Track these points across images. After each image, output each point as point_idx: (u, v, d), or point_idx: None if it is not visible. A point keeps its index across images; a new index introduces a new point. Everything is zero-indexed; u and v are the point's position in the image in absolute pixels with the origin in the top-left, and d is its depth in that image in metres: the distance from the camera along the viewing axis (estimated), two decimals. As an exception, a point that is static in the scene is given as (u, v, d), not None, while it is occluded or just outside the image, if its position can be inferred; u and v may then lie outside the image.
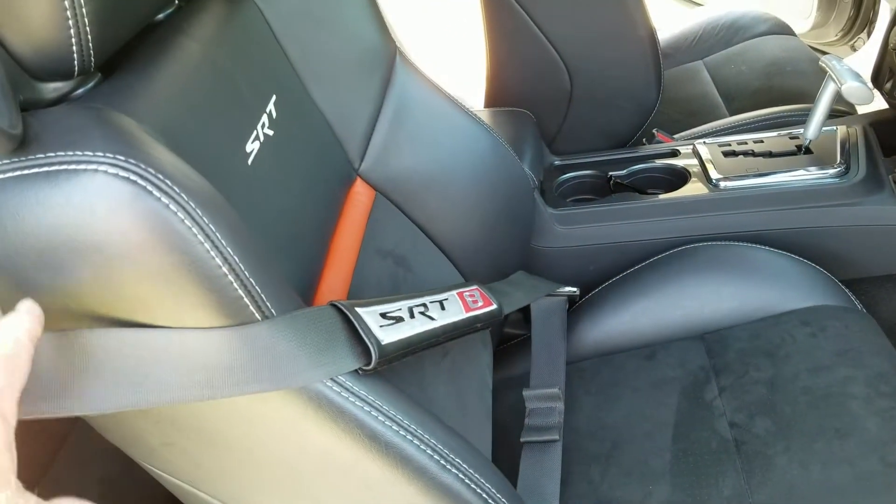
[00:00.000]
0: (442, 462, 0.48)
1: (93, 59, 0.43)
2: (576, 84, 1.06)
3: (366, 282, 0.68)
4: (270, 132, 0.61)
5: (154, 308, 0.39)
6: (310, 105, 0.70)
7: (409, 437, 0.47)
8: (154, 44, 0.53)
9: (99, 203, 0.36)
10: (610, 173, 1.03)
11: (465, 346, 0.81)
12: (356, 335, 0.47)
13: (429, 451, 0.47)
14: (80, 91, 0.47)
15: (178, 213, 0.37)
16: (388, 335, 0.49)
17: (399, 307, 0.55)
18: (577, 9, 1.02)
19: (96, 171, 0.36)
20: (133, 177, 0.36)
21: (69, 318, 0.40)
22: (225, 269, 0.39)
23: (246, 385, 0.41)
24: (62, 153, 0.36)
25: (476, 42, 1.14)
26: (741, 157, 1.00)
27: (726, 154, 1.01)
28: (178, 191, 0.38)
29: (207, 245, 0.39)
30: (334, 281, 0.66)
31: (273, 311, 0.43)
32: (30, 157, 0.37)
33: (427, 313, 0.57)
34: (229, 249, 0.40)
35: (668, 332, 0.88)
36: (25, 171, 0.36)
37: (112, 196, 0.36)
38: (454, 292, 0.65)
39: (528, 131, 1.03)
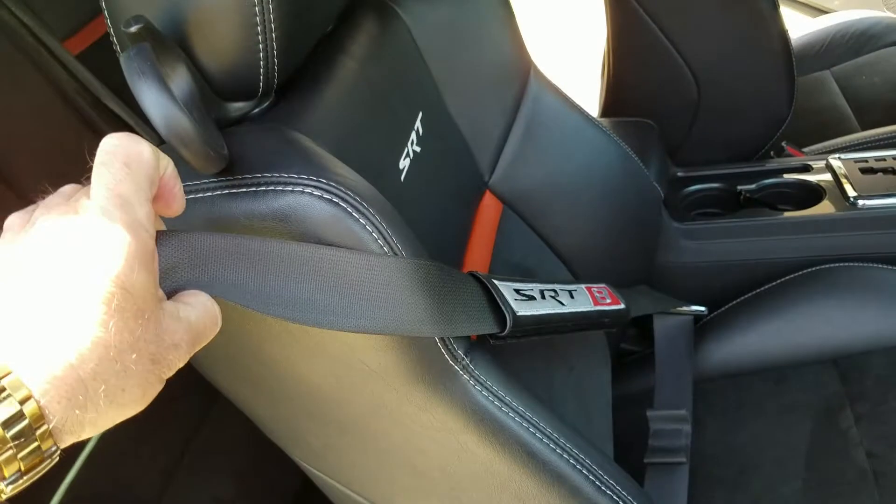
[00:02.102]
0: (597, 483, 0.48)
1: (276, 80, 0.46)
2: (703, 95, 1.04)
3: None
4: (418, 149, 0.63)
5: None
6: (448, 119, 0.72)
7: (565, 455, 0.48)
8: (316, 63, 0.55)
9: (305, 222, 0.38)
10: (739, 187, 1.00)
11: (588, 361, 0.81)
12: (493, 302, 0.48)
13: (584, 472, 0.48)
14: (257, 110, 0.50)
15: (374, 234, 0.40)
16: (522, 308, 0.50)
17: (531, 288, 0.55)
18: (711, 19, 1.00)
19: (302, 192, 0.39)
20: (335, 198, 0.39)
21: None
22: None
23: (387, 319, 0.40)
24: (268, 174, 0.39)
25: (587, 49, 1.13)
26: (880, 174, 0.95)
27: (863, 171, 0.97)
28: (372, 212, 0.40)
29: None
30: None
31: (453, 344, 0.45)
32: (237, 176, 0.40)
33: (557, 298, 0.58)
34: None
35: (800, 356, 0.85)
36: (234, 190, 0.39)
37: (317, 216, 0.38)
38: (583, 286, 0.65)
39: (653, 143, 1.02)
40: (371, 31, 0.63)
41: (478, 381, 0.46)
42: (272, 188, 0.39)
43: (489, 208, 0.77)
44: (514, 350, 0.66)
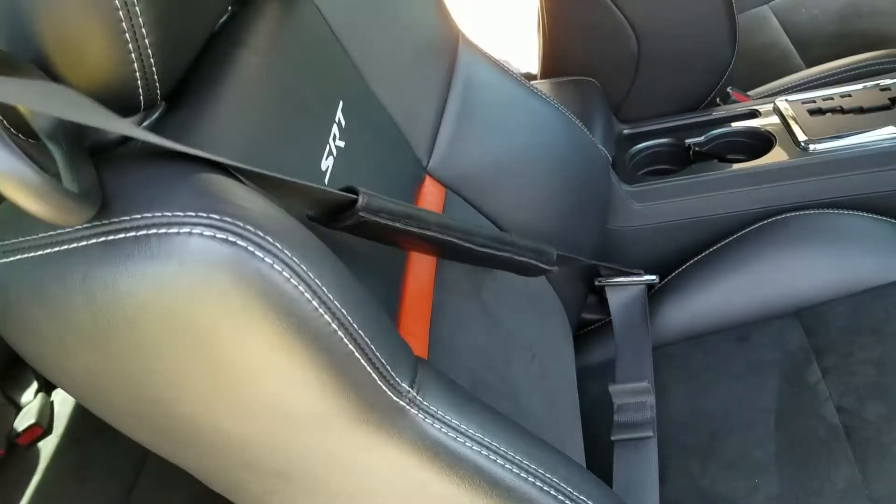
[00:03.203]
0: (567, 501, 0.45)
1: (159, 90, 0.41)
2: (644, 46, 1.00)
3: (448, 286, 0.65)
4: (342, 144, 0.58)
5: (263, 371, 0.37)
6: (375, 105, 0.66)
7: (530, 478, 0.45)
8: (212, 62, 0.49)
9: (197, 269, 0.33)
10: (687, 141, 0.97)
11: (549, 342, 0.78)
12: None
13: (552, 491, 0.46)
14: (145, 124, 0.44)
15: (284, 272, 0.35)
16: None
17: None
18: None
19: (190, 233, 0.33)
20: (231, 237, 0.34)
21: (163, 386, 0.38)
22: (335, 325, 0.37)
23: None
24: (148, 214, 0.34)
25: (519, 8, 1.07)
26: (829, 114, 0.93)
27: (812, 112, 0.94)
28: (279, 246, 0.35)
29: (315, 302, 0.36)
30: (417, 286, 0.63)
31: (383, 361, 0.40)
32: (112, 219, 0.34)
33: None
34: (337, 303, 0.37)
35: (761, 311, 0.83)
36: (110, 237, 0.33)
37: (211, 260, 0.33)
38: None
39: (596, 102, 0.97)
40: (273, 17, 0.56)
41: (428, 413, 0.42)
42: (154, 231, 0.33)
43: (431, 195, 0.72)
44: (470, 351, 0.63)
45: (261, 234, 0.34)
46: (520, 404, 0.63)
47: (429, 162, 0.72)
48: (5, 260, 0.35)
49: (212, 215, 0.34)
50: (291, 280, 0.35)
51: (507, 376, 0.65)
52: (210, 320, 0.34)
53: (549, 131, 0.79)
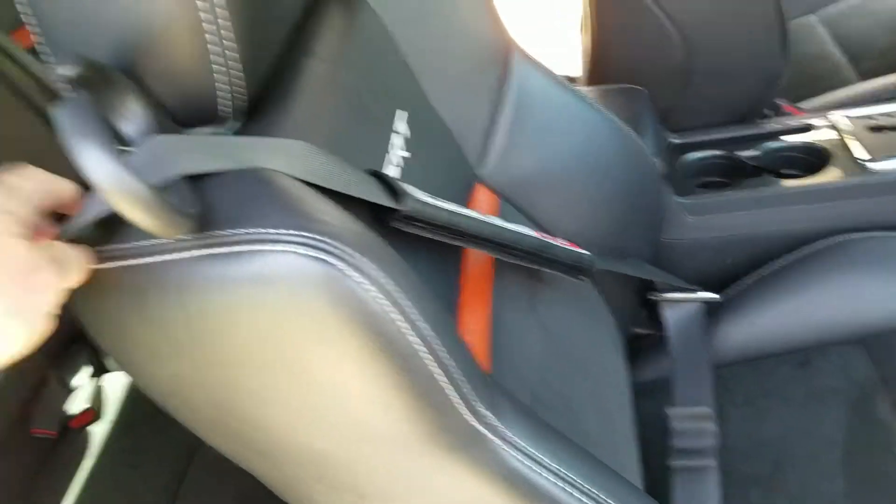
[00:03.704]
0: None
1: (245, 99, 0.40)
2: (693, 55, 0.96)
3: (504, 296, 0.62)
4: (406, 154, 0.55)
5: (348, 390, 0.37)
6: (431, 113, 0.64)
7: None
8: (282, 72, 0.48)
9: (291, 287, 0.33)
10: (740, 153, 0.94)
11: (601, 360, 0.75)
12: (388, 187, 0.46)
13: None
14: (224, 133, 0.42)
15: (373, 291, 0.34)
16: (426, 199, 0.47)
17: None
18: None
19: (285, 251, 0.33)
20: (323, 255, 0.33)
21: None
22: (420, 346, 0.37)
23: None
24: (244, 230, 0.33)
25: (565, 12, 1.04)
26: (890, 132, 0.89)
27: (871, 129, 0.90)
28: (371, 266, 0.35)
29: (403, 322, 0.36)
30: (473, 296, 0.60)
31: (464, 383, 0.40)
32: (210, 233, 0.34)
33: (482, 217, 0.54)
34: (422, 323, 0.37)
35: (823, 336, 0.79)
36: (207, 251, 0.33)
37: (306, 279, 0.33)
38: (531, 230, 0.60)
39: (644, 111, 0.94)
40: (338, 23, 0.54)
41: (505, 440, 0.41)
42: (250, 247, 0.33)
43: (484, 203, 0.69)
44: (528, 366, 0.60)
45: (354, 252, 0.34)
46: (578, 424, 0.61)
47: (481, 169, 0.69)
48: (104, 266, 0.36)
49: (306, 234, 0.33)
50: (381, 299, 0.35)
51: (564, 393, 0.62)
52: (300, 337, 0.34)
53: (601, 140, 0.76)
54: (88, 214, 0.34)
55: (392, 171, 0.53)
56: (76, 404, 1.04)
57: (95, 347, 1.21)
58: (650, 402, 0.79)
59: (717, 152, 0.96)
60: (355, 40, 0.55)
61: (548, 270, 0.61)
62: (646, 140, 0.88)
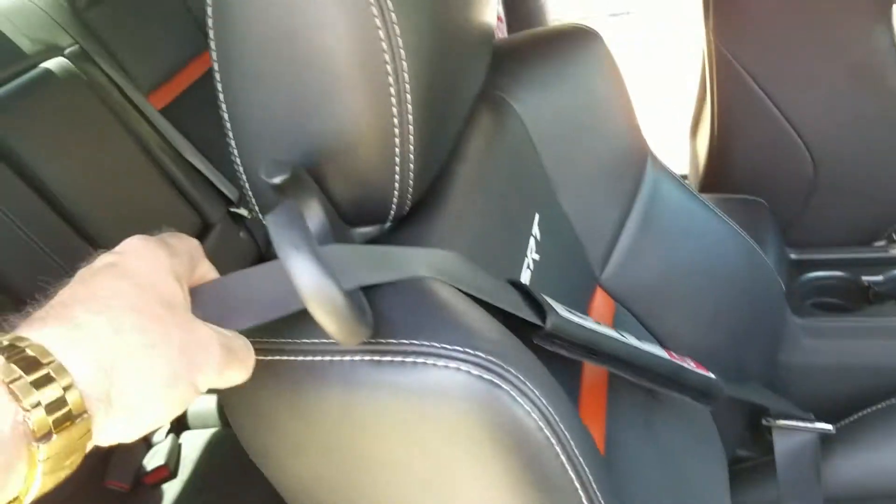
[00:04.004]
0: None
1: (408, 204, 0.42)
2: (820, 171, 0.96)
3: (620, 411, 0.62)
4: (537, 256, 0.58)
5: None
6: (561, 216, 0.66)
7: None
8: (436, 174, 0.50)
9: (458, 405, 0.34)
10: (865, 278, 0.91)
11: (710, 481, 0.72)
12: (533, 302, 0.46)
13: None
14: (382, 233, 0.45)
15: (540, 422, 0.35)
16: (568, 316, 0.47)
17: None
18: (828, 90, 0.92)
19: (458, 369, 0.34)
20: (495, 378, 0.34)
21: None
22: (577, 484, 0.37)
23: None
24: (416, 342, 0.35)
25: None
26: None
27: None
28: (537, 393, 0.35)
29: (564, 457, 0.36)
30: (589, 414, 0.60)
31: None
32: (380, 340, 0.35)
33: (620, 336, 0.53)
34: (581, 459, 0.37)
35: (949, 481, 0.75)
36: (376, 357, 0.35)
37: (474, 399, 0.34)
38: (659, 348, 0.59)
39: (768, 225, 0.94)
40: (486, 128, 0.57)
41: None
42: (422, 360, 0.34)
43: (601, 307, 0.70)
44: (646, 495, 0.59)
45: (519, 375, 0.35)
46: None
47: (601, 273, 0.71)
48: (262, 358, 0.37)
49: (476, 353, 0.34)
50: (545, 430, 0.35)
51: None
52: (456, 455, 0.35)
53: (726, 253, 0.76)
54: (270, 314, 0.35)
55: (526, 273, 0.55)
56: (152, 460, 1.05)
57: None
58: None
59: (839, 273, 0.94)
60: (500, 145, 0.57)
61: (679, 396, 0.60)
62: (768, 256, 0.87)
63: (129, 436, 0.29)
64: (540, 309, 0.45)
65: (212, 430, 1.11)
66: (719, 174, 1.05)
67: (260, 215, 0.43)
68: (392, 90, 0.37)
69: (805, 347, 0.85)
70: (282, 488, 0.44)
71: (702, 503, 0.67)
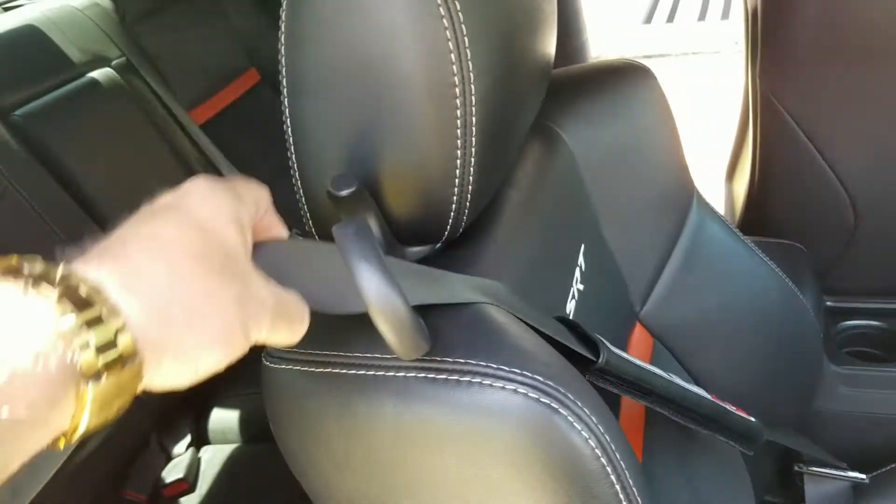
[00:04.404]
0: None
1: (462, 226, 0.42)
2: (861, 220, 0.95)
3: (656, 447, 0.61)
4: (582, 287, 0.58)
5: None
6: (605, 249, 0.66)
7: None
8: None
9: (515, 428, 0.33)
10: (902, 329, 0.90)
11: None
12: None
13: None
14: (435, 251, 0.45)
15: (597, 450, 0.34)
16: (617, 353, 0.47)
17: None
18: (874, 140, 0.92)
19: (515, 391, 0.33)
20: (553, 402, 0.34)
21: None
22: None
23: None
24: (472, 361, 0.34)
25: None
26: None
27: None
28: (594, 420, 0.35)
29: (618, 486, 0.35)
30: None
31: None
32: (435, 358, 0.35)
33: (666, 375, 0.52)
34: (634, 488, 0.36)
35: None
36: (431, 374, 0.34)
37: (532, 423, 0.33)
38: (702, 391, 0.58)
39: (805, 271, 0.93)
40: (537, 157, 0.58)
41: None
42: (478, 380, 0.34)
43: (640, 343, 0.70)
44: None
45: (579, 404, 0.34)
46: None
47: (642, 308, 0.70)
48: (310, 370, 0.37)
49: (536, 377, 0.34)
50: (601, 458, 0.34)
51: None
52: (508, 476, 0.34)
53: (768, 297, 0.75)
54: (323, 303, 0.34)
55: (571, 304, 0.55)
56: (171, 472, 1.04)
57: (199, 417, 1.24)
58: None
59: (877, 323, 0.93)
60: (549, 174, 0.58)
61: (721, 438, 0.59)
62: (807, 302, 0.86)
63: (180, 382, 0.28)
64: (590, 345, 0.45)
65: (233, 446, 1.10)
66: (757, 217, 1.05)
67: (314, 231, 0.44)
68: (458, 113, 0.37)
69: (840, 395, 0.84)
70: (318, 499, 0.43)
71: None
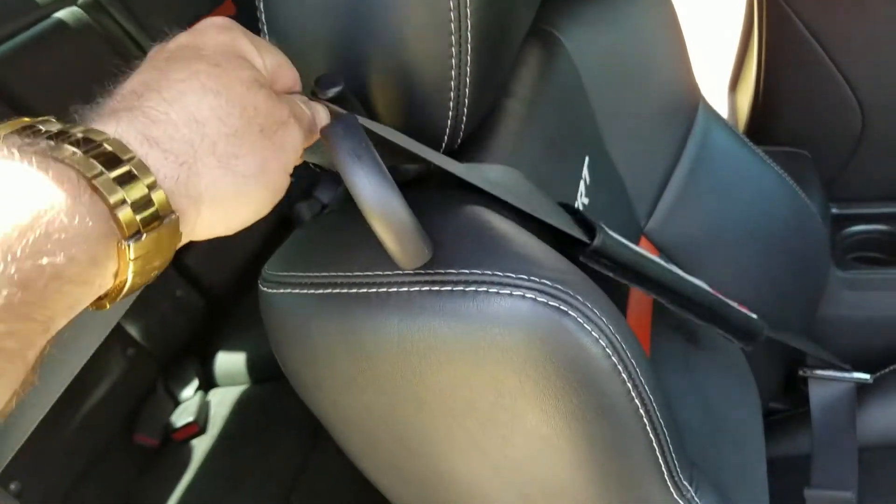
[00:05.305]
0: None
1: (460, 137, 0.41)
2: (868, 125, 0.92)
3: (663, 355, 0.61)
4: (586, 200, 0.56)
5: (551, 450, 0.36)
6: (608, 162, 0.64)
7: None
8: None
9: (523, 333, 0.32)
10: (908, 232, 0.89)
11: (748, 429, 0.72)
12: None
13: None
14: (432, 167, 0.43)
15: (608, 349, 0.33)
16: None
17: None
18: (884, 41, 0.88)
19: (523, 296, 0.32)
20: (563, 305, 0.33)
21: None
22: (642, 412, 0.35)
23: None
24: (478, 271, 0.33)
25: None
26: None
27: None
28: (605, 321, 0.34)
29: (630, 385, 0.34)
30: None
31: (674, 456, 0.37)
32: (438, 270, 0.34)
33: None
34: (647, 388, 0.35)
35: None
36: (436, 287, 0.33)
37: (541, 326, 0.32)
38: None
39: (811, 178, 0.91)
40: (535, 65, 0.55)
41: None
42: (484, 289, 0.32)
43: (645, 259, 0.68)
44: (693, 439, 0.58)
45: (587, 303, 0.33)
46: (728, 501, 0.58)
47: (647, 223, 0.69)
48: (312, 292, 0.35)
49: (544, 281, 0.33)
50: (612, 357, 0.34)
51: (718, 467, 0.60)
52: (519, 383, 0.33)
53: (776, 204, 0.74)
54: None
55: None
56: (181, 416, 1.04)
57: (205, 361, 1.22)
58: (783, 477, 0.75)
59: (882, 227, 0.91)
60: (550, 83, 0.55)
61: (721, 332, 0.59)
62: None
63: (229, 229, 0.28)
64: (590, 230, 0.44)
65: (241, 388, 1.10)
66: (763, 126, 1.02)
67: None
68: (452, 14, 0.35)
69: (845, 300, 0.84)
70: (330, 424, 0.43)
71: (739, 447, 0.67)
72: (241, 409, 1.06)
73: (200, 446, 1.02)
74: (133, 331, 0.99)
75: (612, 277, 0.51)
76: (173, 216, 0.24)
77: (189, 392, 1.08)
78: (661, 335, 0.63)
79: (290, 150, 0.29)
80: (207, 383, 1.12)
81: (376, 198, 0.29)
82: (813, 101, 0.94)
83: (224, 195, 0.26)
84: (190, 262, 1.03)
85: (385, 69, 0.36)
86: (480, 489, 0.39)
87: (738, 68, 1.10)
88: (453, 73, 0.36)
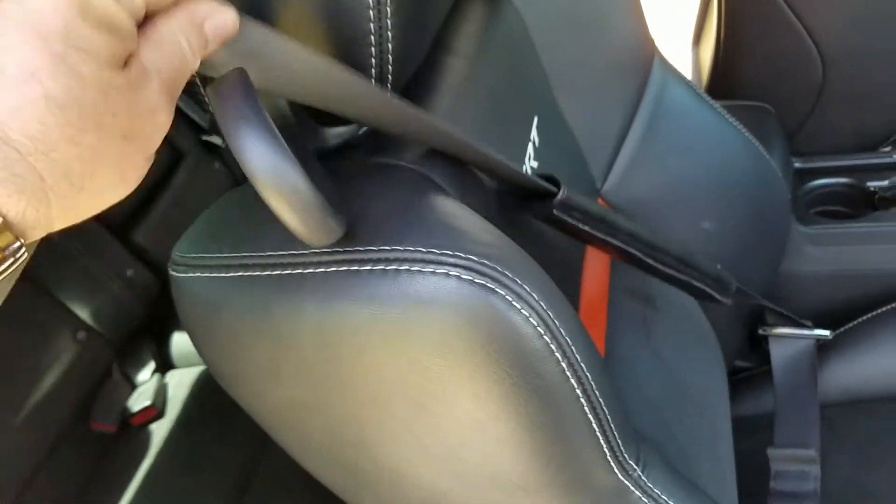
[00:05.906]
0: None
1: (388, 90, 0.37)
2: (829, 76, 0.91)
3: (620, 322, 0.60)
4: (535, 164, 0.53)
5: (486, 432, 0.33)
6: (561, 121, 0.61)
7: None
8: (423, 67, 0.45)
9: (450, 313, 0.30)
10: (870, 184, 0.88)
11: (711, 391, 0.71)
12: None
13: None
14: (361, 133, 0.40)
15: (539, 328, 0.31)
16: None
17: None
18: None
19: (447, 274, 0.30)
20: (490, 282, 0.30)
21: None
22: (579, 392, 0.33)
23: None
24: (399, 248, 0.30)
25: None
26: None
27: None
28: (536, 297, 0.31)
29: (565, 364, 0.32)
30: (589, 324, 0.57)
31: (616, 434, 0.36)
32: (357, 247, 0.31)
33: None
34: (583, 366, 0.33)
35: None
36: (354, 267, 0.30)
37: (467, 305, 0.30)
38: None
39: (773, 133, 0.89)
40: (478, 19, 0.52)
41: (651, 497, 0.38)
42: (406, 267, 0.30)
43: (601, 220, 0.66)
44: (644, 404, 0.57)
45: (517, 280, 0.31)
46: (692, 469, 0.57)
47: (603, 184, 0.67)
48: (224, 275, 0.33)
49: (470, 256, 0.30)
50: (544, 336, 0.31)
51: (681, 434, 0.59)
52: (447, 366, 0.31)
53: (735, 161, 0.72)
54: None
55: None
56: (138, 400, 1.01)
57: (161, 342, 1.17)
58: (748, 436, 0.75)
59: (844, 180, 0.90)
60: (495, 39, 0.52)
61: (697, 284, 0.57)
62: (774, 164, 0.83)
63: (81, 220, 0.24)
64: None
65: (199, 369, 1.07)
66: (725, 80, 1.00)
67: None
68: None
69: (808, 255, 0.83)
70: (259, 418, 0.40)
71: (702, 412, 0.66)
72: (199, 390, 1.03)
73: (159, 431, 0.99)
74: (83, 313, 0.95)
75: (566, 240, 0.49)
76: (21, 253, 0.22)
77: (146, 375, 1.05)
78: (620, 300, 0.62)
79: (158, 135, 0.25)
80: (164, 365, 1.08)
81: (266, 166, 0.26)
82: (774, 54, 0.92)
83: (76, 212, 0.23)
84: (140, 239, 0.99)
85: (294, 15, 0.33)
86: (415, 475, 0.37)
87: (700, 22, 1.08)
88: (373, 11, 0.33)
